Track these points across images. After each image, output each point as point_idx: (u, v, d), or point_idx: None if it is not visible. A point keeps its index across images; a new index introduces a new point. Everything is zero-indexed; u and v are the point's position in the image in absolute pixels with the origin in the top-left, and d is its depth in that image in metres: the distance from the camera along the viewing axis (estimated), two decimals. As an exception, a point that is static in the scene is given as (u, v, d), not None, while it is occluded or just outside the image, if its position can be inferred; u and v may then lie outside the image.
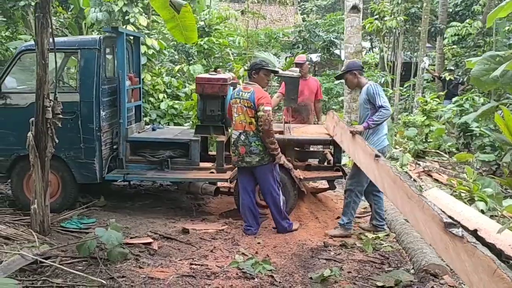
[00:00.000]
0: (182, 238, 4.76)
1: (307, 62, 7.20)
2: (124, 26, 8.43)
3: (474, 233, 4.49)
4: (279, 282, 3.84)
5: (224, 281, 3.81)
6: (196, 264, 4.09)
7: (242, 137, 4.83)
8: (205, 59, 11.57)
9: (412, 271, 4.07)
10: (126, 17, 9.22)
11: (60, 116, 4.67)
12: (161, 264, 4.08)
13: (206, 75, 5.90)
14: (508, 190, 6.99)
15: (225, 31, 12.64)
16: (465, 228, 4.26)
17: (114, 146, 5.74)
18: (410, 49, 18.90)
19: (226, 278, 3.86)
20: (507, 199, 5.91)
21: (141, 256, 4.21)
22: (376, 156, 3.97)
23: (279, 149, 4.85)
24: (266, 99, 4.80)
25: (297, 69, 6.11)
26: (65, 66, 5.87)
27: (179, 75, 10.70)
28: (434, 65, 15.96)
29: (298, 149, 5.95)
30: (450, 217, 3.06)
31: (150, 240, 4.58)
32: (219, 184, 6.04)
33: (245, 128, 4.83)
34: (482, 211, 5.39)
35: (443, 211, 4.47)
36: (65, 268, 3.76)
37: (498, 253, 4.20)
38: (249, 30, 13.13)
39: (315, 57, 20.83)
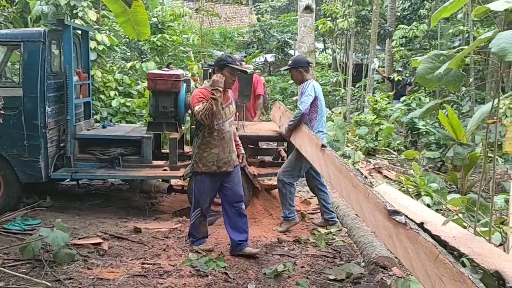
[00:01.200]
0: (134, 237, 4.64)
1: (244, 61, 7.12)
2: (72, 21, 8.12)
3: (420, 225, 4.64)
4: (233, 278, 3.82)
5: (177, 279, 3.75)
6: (148, 264, 4.00)
7: None
8: (158, 56, 11.36)
9: (362, 264, 4.17)
10: (74, 11, 8.88)
11: (2, 112, 4.43)
12: (111, 264, 3.95)
13: (159, 71, 5.79)
14: (452, 185, 7.32)
15: (179, 28, 12.47)
16: (412, 221, 4.42)
17: (61, 144, 5.52)
18: (361, 51, 19.45)
19: (179, 277, 3.80)
20: (451, 193, 6.18)
21: (89, 257, 4.07)
22: (322, 146, 4.04)
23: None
24: (194, 98, 4.06)
25: (251, 66, 6.12)
26: (8, 60, 5.57)
27: (131, 72, 10.44)
28: (383, 66, 16.47)
29: (252, 146, 5.96)
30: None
31: (99, 240, 4.43)
32: (173, 182, 5.94)
33: None
34: (428, 205, 5.60)
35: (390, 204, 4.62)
36: (7, 271, 3.57)
37: (444, 244, 4.38)
38: (203, 29, 13.04)
39: (269, 57, 21.00)
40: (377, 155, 9.23)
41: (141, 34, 6.54)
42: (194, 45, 12.09)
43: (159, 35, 11.16)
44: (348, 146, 9.16)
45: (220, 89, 3.96)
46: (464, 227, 4.26)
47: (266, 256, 4.29)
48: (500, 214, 5.54)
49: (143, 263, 4.00)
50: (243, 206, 4.38)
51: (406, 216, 3.85)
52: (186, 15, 13.81)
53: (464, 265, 3.44)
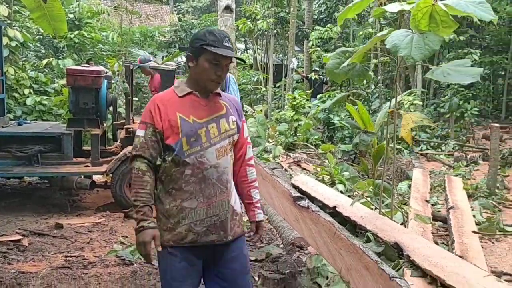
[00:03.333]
0: (56, 233, 4.60)
1: (152, 61, 7.14)
2: (-19, 15, 7.72)
3: (333, 209, 5.08)
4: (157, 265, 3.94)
5: (102, 269, 3.81)
6: (71, 256, 4.01)
7: None
8: (75, 53, 11.03)
9: (281, 246, 4.48)
10: (-17, 6, 8.42)
11: None
12: (32, 259, 3.92)
13: (78, 67, 5.75)
14: (363, 174, 7.95)
15: (97, 26, 12.19)
16: (326, 205, 4.83)
17: (-27, 142, 5.29)
18: (281, 52, 20.13)
19: (104, 266, 3.86)
20: (361, 180, 6.76)
21: (9, 253, 4.00)
22: None
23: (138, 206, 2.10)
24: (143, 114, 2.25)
25: (173, 63, 6.25)
26: None
27: (46, 70, 10.05)
28: (302, 66, 17.22)
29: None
30: (308, 194, 3.47)
31: (19, 237, 4.34)
32: (95, 178, 5.91)
33: None
34: (341, 192, 6.08)
35: (308, 192, 4.99)
36: None
37: (354, 224, 4.83)
38: (123, 27, 12.80)
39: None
40: (296, 149, 9.71)
41: (58, 30, 6.37)
42: (114, 43, 11.88)
43: (76, 32, 10.85)
44: (269, 142, 9.55)
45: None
46: (371, 209, 4.73)
47: (190, 243, 4.46)
48: (403, 198, 6.18)
49: (66, 256, 4.00)
50: None
51: (324, 204, 4.23)
52: (104, 13, 13.50)
53: (369, 240, 3.89)
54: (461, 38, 12.60)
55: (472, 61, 11.80)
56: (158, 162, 2.15)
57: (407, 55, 3.37)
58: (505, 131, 11.74)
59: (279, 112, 12.31)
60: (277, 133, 10.09)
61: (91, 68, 5.57)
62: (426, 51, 3.38)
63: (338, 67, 4.37)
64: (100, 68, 5.78)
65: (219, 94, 2.26)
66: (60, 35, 8.44)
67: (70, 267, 3.77)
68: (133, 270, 3.81)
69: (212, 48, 2.10)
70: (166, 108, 2.13)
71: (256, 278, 3.67)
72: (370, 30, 13.03)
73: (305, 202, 3.10)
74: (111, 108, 6.07)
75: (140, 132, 2.16)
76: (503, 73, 14.92)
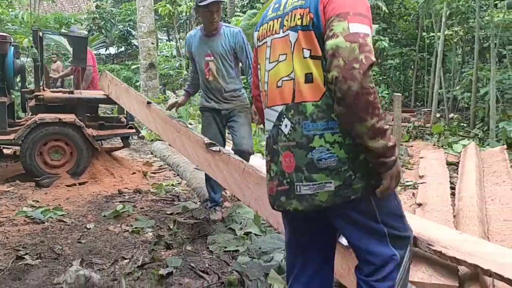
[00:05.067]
0: (-42, 201, 4.34)
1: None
2: None
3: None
4: (71, 222, 3.89)
5: (11, 227, 3.69)
6: (-24, 219, 3.83)
7: (287, 125, 1.61)
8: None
9: (198, 203, 4.58)
10: None
11: None
12: None
13: (-19, 33, 5.43)
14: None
15: (5, 1, 11.45)
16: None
17: None
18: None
19: (12, 225, 3.75)
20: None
21: None
22: (148, 102, 4.35)
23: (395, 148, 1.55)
24: (354, 7, 1.47)
25: (85, 32, 6.10)
26: None
27: None
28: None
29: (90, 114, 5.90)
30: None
31: None
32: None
33: (294, 97, 1.59)
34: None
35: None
36: None
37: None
38: (33, 13, 12.04)
39: (113, 50, 20.50)
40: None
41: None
42: (25, 22, 11.23)
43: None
44: (191, 123, 9.58)
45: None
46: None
47: (106, 204, 4.43)
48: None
49: (-30, 219, 3.81)
50: None
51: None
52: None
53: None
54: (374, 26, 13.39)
55: (382, 48, 12.67)
56: None
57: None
58: (412, 115, 12.68)
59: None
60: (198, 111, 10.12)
61: (-5, 34, 5.29)
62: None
63: (250, 27, 4.58)
64: (5, 34, 5.50)
65: None
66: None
67: (-27, 226, 3.61)
68: (44, 227, 3.73)
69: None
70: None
71: (171, 226, 3.75)
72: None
73: (216, 147, 3.22)
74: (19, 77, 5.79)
75: (366, 29, 1.45)
76: (412, 65, 16.06)
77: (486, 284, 2.61)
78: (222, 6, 3.58)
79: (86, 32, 5.85)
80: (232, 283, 2.74)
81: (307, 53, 1.53)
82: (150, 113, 4.29)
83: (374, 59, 1.40)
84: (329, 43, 1.42)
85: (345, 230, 1.66)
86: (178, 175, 5.70)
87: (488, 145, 7.83)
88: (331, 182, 1.52)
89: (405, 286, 1.68)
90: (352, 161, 1.52)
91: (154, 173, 5.94)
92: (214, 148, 3.27)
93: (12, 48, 5.44)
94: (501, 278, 2.31)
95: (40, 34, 5.50)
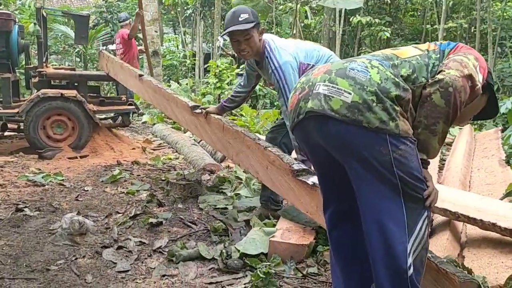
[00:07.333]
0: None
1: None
2: None
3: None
4: (70, 185, 4.06)
5: (12, 188, 3.87)
6: (-20, 181, 4.01)
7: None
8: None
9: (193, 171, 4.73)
10: None
11: None
12: None
13: (-14, 11, 5.62)
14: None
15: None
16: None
17: None
18: (210, 41, 20.28)
19: (14, 187, 3.92)
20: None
21: None
22: (140, 75, 4.52)
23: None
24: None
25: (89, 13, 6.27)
26: None
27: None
28: (229, 46, 17.54)
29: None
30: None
31: None
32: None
33: None
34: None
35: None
36: None
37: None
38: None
39: (115, 46, 20.66)
40: (220, 116, 9.98)
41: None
42: (31, 11, 11.43)
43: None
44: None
45: None
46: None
47: (105, 172, 4.60)
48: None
49: (-26, 182, 4.00)
50: None
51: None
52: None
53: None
54: (377, 20, 13.35)
55: (384, 38, 12.72)
56: None
57: None
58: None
59: (205, 87, 12.53)
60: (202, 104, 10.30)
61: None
62: None
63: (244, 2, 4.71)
64: (9, 12, 5.69)
65: None
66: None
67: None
68: (44, 189, 3.90)
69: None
70: None
71: (166, 186, 3.91)
72: (290, 4, 13.61)
73: (199, 110, 3.41)
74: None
75: None
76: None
77: (458, 231, 2.75)
78: (252, 34, 2.72)
79: (89, 13, 6.02)
80: (217, 229, 2.89)
81: None
82: (143, 84, 4.50)
83: None
84: None
85: (355, 178, 1.52)
86: (176, 151, 5.86)
87: (484, 127, 7.92)
88: (350, 94, 1.45)
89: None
90: (381, 92, 1.45)
91: (154, 149, 6.10)
92: (197, 111, 3.46)
93: (17, 26, 5.62)
94: (468, 218, 2.45)
95: (44, 13, 5.69)
